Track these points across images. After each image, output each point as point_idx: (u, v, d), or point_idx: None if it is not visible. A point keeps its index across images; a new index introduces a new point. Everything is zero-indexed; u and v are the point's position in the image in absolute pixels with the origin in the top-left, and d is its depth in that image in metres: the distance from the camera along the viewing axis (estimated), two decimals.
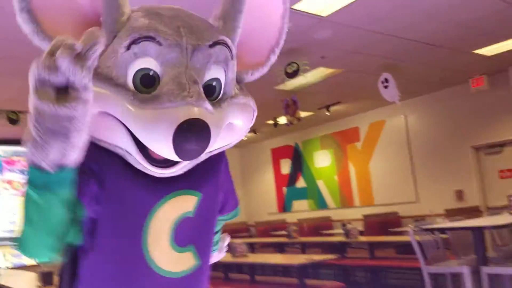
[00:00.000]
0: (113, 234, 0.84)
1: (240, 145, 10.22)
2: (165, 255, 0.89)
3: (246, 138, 9.16)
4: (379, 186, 7.77)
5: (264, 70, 1.06)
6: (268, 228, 8.44)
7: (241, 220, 10.08)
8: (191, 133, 0.73)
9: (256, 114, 1.01)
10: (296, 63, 4.63)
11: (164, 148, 0.75)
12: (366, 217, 7.06)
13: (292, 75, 4.64)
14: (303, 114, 7.17)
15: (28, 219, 0.69)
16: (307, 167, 9.14)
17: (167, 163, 0.83)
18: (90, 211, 0.80)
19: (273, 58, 1.07)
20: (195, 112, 0.75)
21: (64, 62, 0.58)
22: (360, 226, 6.59)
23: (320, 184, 8.84)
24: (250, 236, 8.95)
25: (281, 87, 5.69)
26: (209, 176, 0.98)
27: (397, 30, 4.40)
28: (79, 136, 0.64)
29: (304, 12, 3.81)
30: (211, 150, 0.88)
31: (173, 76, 0.79)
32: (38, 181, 0.66)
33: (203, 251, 0.96)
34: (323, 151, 8.80)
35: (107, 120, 0.78)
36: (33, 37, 0.81)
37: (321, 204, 8.82)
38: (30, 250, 0.73)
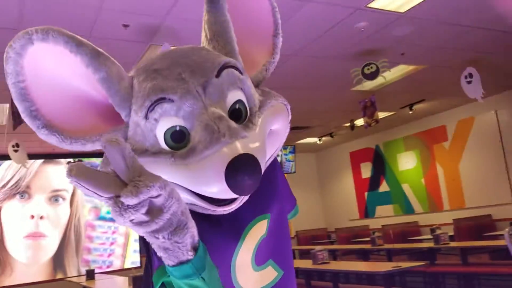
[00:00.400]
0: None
1: (316, 150, 10.10)
2: (251, 278, 0.92)
3: (321, 143, 9.06)
4: (470, 187, 7.23)
5: (276, 57, 1.01)
6: (349, 235, 8.22)
7: (321, 226, 9.93)
8: (241, 171, 0.73)
9: (289, 107, 0.98)
10: (375, 64, 4.46)
11: (222, 194, 0.77)
12: (457, 221, 6.65)
13: (371, 76, 4.48)
14: (383, 114, 6.90)
15: None
16: (390, 170, 8.77)
17: (230, 200, 0.83)
18: None
19: (279, 41, 1.00)
20: (237, 149, 0.75)
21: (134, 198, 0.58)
22: (450, 231, 6.25)
23: (405, 187, 8.43)
24: (331, 243, 8.78)
25: (358, 88, 5.52)
26: (273, 194, 0.99)
27: (484, 21, 4.07)
28: (189, 214, 0.67)
29: (380, 9, 3.67)
30: (267, 161, 0.89)
31: (198, 123, 0.79)
32: (188, 272, 0.68)
33: (282, 261, 0.98)
34: (407, 152, 8.40)
35: None
36: (62, 145, 0.82)
37: (407, 208, 8.40)
38: None
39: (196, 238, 0.68)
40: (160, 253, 0.66)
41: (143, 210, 0.59)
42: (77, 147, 0.81)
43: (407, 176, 8.39)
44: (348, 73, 4.68)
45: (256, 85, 0.97)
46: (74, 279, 6.76)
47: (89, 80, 0.82)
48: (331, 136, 8.59)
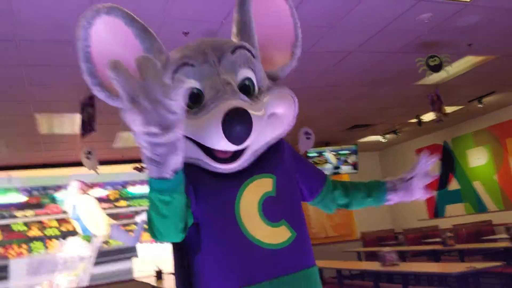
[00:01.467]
0: (212, 225, 1.01)
1: (380, 147, 9.81)
2: (262, 230, 1.02)
3: (385, 140, 8.78)
4: None
5: (293, 63, 1.18)
6: (418, 235, 7.89)
7: (388, 227, 9.62)
8: (234, 119, 0.90)
9: (296, 100, 1.12)
10: (437, 57, 4.26)
11: (218, 140, 0.92)
12: None
13: (435, 68, 4.28)
14: (451, 108, 6.57)
15: (161, 215, 0.87)
16: (459, 167, 8.32)
17: (231, 160, 1.00)
18: (193, 209, 1.00)
19: (298, 51, 1.18)
20: (233, 103, 0.93)
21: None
22: None
23: (477, 185, 7.96)
24: (399, 244, 8.49)
25: (422, 82, 5.30)
26: (277, 161, 1.12)
27: None
28: (182, 145, 0.81)
29: (445, 0, 3.50)
30: (268, 140, 1.07)
31: (210, 86, 0.99)
32: (163, 186, 0.82)
33: (295, 223, 1.09)
34: (477, 148, 7.93)
35: None
36: (108, 101, 1.04)
37: (479, 207, 7.93)
38: (165, 236, 0.92)
39: (180, 165, 0.82)
40: (149, 165, 0.80)
41: (161, 122, 0.72)
42: (118, 104, 0.96)
43: (478, 173, 7.92)
44: (411, 67, 4.51)
45: (273, 79, 1.14)
46: (144, 279, 7.03)
47: (136, 50, 1.02)
48: (396, 133, 8.31)
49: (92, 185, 7.94)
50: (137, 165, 7.25)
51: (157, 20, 3.27)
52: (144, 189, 8.30)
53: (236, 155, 1.00)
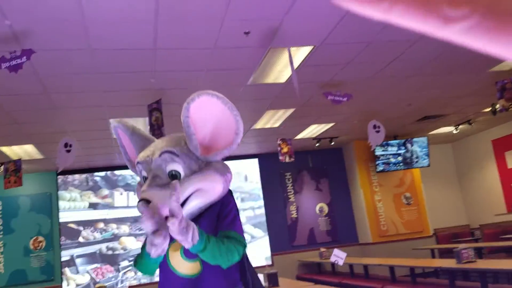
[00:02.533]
0: (160, 263, 1.60)
1: (453, 139, 9.31)
2: (181, 265, 1.55)
3: (458, 131, 8.31)
4: None
5: (234, 146, 1.57)
6: (497, 231, 7.41)
7: (462, 223, 9.12)
8: (138, 205, 1.42)
9: (228, 177, 1.64)
10: None
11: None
12: None
13: None
14: None
15: (142, 263, 1.56)
16: None
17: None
18: None
19: (238, 138, 1.57)
20: (144, 194, 1.44)
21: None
22: None
23: None
24: (475, 241, 8.02)
25: (497, 68, 4.96)
26: (204, 219, 1.58)
27: None
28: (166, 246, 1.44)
29: None
30: (199, 207, 1.56)
31: (146, 174, 1.58)
32: (147, 255, 1.46)
33: (205, 261, 1.50)
34: None
35: None
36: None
37: None
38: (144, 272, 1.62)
39: (162, 254, 1.47)
40: (148, 246, 1.43)
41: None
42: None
43: None
44: (484, 53, 4.22)
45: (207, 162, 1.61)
46: None
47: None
48: (469, 124, 7.84)
49: None
50: None
51: (218, 24, 3.33)
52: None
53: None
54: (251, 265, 1.70)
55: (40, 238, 7.58)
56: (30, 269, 7.47)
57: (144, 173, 1.57)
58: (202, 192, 1.53)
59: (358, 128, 7.05)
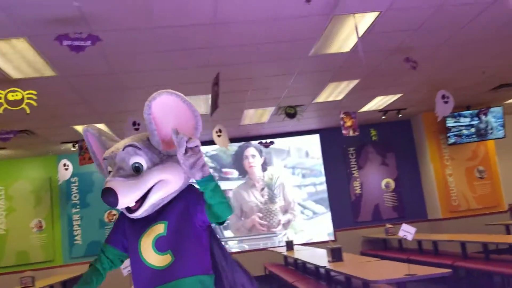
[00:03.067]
0: (130, 252, 1.77)
1: None
2: (153, 258, 1.66)
3: None
4: None
5: (195, 139, 1.57)
6: None
7: None
8: (103, 194, 1.56)
9: (186, 163, 1.54)
10: None
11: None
12: None
13: None
14: None
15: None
16: None
17: (135, 211, 1.66)
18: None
19: (198, 132, 1.68)
20: (107, 184, 1.59)
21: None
22: None
23: None
24: None
25: None
26: (173, 210, 1.70)
27: None
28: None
29: None
30: (162, 197, 1.68)
31: (111, 169, 1.70)
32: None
33: (177, 252, 1.64)
34: None
35: None
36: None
37: None
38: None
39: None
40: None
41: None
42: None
43: None
44: None
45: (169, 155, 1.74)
46: (276, 249, 7.29)
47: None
48: None
49: None
50: (262, 141, 7.47)
51: None
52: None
53: (137, 208, 1.65)
54: (225, 252, 1.81)
55: (114, 212, 8.03)
56: None
57: (110, 168, 1.70)
58: (164, 183, 1.66)
59: (428, 98, 6.67)
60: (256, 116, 6.95)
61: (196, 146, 1.51)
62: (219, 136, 5.96)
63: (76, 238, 7.96)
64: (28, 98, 3.45)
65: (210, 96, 5.45)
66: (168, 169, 1.66)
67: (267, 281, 7.13)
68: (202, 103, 5.83)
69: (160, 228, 1.67)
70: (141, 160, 1.65)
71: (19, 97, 3.44)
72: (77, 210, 8.02)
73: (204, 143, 7.84)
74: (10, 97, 3.35)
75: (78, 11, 3.16)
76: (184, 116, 1.66)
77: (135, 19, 3.42)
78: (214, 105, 3.91)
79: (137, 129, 5.29)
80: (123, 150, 1.65)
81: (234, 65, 4.62)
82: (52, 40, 3.13)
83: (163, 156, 1.69)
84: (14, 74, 4.10)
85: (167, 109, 1.65)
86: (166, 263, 1.63)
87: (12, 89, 3.42)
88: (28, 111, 3.42)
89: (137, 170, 1.64)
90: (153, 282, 1.62)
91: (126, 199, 1.58)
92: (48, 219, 7.94)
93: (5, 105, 3.31)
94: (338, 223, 8.31)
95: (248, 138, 8.35)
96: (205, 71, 4.60)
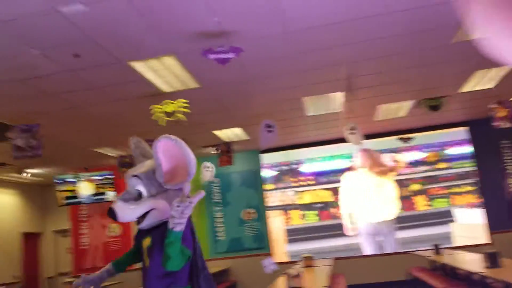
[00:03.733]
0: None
1: None
2: (145, 259, 2.14)
3: None
4: None
5: (187, 181, 2.10)
6: None
7: None
8: (107, 212, 2.04)
9: (173, 206, 1.93)
10: None
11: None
12: None
13: None
14: None
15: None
16: None
17: (138, 223, 2.13)
18: None
19: (189, 178, 2.06)
20: (113, 204, 2.05)
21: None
22: None
23: None
24: None
25: None
26: (157, 229, 2.09)
27: None
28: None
29: None
30: (155, 221, 2.09)
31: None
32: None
33: (152, 260, 2.06)
34: None
35: None
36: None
37: None
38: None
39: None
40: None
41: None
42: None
43: None
44: None
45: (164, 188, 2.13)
46: (420, 253, 6.84)
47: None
48: None
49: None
50: (403, 136, 7.08)
51: None
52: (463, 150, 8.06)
53: (140, 222, 2.11)
54: (204, 272, 2.17)
55: (251, 210, 8.39)
56: (244, 237, 8.37)
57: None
58: (156, 211, 2.08)
59: None
60: (392, 110, 6.61)
61: (183, 212, 1.90)
62: (352, 133, 5.82)
63: (219, 234, 8.51)
64: (183, 107, 3.76)
65: (343, 93, 5.38)
66: (160, 202, 2.08)
67: (409, 286, 6.75)
68: (334, 101, 5.75)
69: (148, 241, 2.14)
70: (142, 188, 2.07)
71: (173, 108, 3.78)
72: (219, 208, 8.57)
73: (336, 141, 7.76)
74: (167, 109, 3.70)
75: (218, 25, 3.34)
76: (180, 159, 2.02)
77: (267, 26, 3.49)
78: (349, 97, 3.81)
79: (270, 131, 5.43)
80: (131, 177, 2.10)
81: (364, 61, 4.46)
82: (196, 55, 3.37)
83: (160, 189, 2.08)
84: (165, 88, 4.53)
85: (167, 152, 2.01)
86: (148, 265, 2.12)
87: (168, 101, 3.77)
88: (184, 119, 3.73)
89: (140, 195, 2.08)
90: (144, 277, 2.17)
91: (123, 219, 2.08)
92: (195, 216, 8.53)
93: (165, 117, 3.66)
94: (494, 224, 7.50)
95: (385, 134, 8.00)
96: (334, 69, 4.52)
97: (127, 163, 7.05)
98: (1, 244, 8.30)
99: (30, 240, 9.19)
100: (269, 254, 7.99)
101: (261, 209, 8.40)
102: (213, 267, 8.02)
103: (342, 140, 6.30)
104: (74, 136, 6.10)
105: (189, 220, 2.06)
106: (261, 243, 8.29)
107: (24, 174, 8.05)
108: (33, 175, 8.30)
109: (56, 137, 5.85)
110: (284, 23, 3.47)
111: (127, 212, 2.05)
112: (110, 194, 7.98)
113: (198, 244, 2.14)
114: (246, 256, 8.24)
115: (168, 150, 2.01)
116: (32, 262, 9.24)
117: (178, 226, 1.88)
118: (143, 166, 2.15)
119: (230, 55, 3.21)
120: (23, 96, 4.39)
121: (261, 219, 8.37)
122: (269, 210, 8.38)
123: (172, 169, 2.05)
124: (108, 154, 7.33)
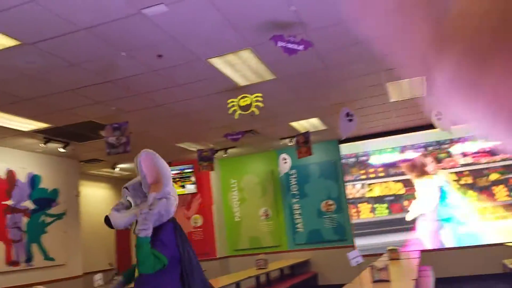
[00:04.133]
0: None
1: None
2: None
3: None
4: None
5: (161, 194, 2.23)
6: None
7: None
8: (104, 220, 2.28)
9: (155, 211, 2.17)
10: None
11: None
12: None
13: None
14: None
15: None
16: None
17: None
18: None
19: (166, 188, 2.25)
20: (109, 213, 2.30)
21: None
22: None
23: None
24: None
25: None
26: (155, 231, 2.19)
27: None
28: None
29: None
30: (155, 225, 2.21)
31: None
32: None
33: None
34: None
35: None
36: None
37: None
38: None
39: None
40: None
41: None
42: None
43: None
44: None
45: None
46: None
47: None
48: None
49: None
50: None
51: None
52: None
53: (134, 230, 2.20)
54: (197, 281, 2.18)
55: (330, 202, 8.29)
56: (324, 229, 8.29)
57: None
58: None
59: None
60: None
61: (146, 219, 2.08)
62: (439, 119, 5.51)
63: (297, 226, 8.51)
64: (256, 101, 3.80)
65: (424, 78, 5.11)
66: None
67: (505, 279, 6.28)
68: (417, 85, 5.47)
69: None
70: (130, 199, 2.29)
71: (248, 101, 3.83)
72: (297, 200, 8.57)
73: (424, 127, 7.41)
74: (242, 103, 3.75)
75: (294, 15, 3.31)
76: (158, 172, 2.22)
77: (345, 13, 3.39)
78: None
79: (350, 120, 5.31)
80: (123, 189, 2.32)
81: None
82: (272, 46, 3.37)
83: (143, 199, 2.25)
84: (241, 81, 4.60)
85: (148, 165, 2.21)
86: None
87: (243, 95, 3.83)
88: (257, 112, 3.77)
89: (130, 204, 2.29)
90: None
91: (116, 227, 2.25)
92: (273, 208, 8.72)
93: (239, 111, 3.72)
94: None
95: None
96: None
97: (206, 156, 7.30)
98: (98, 235, 9.00)
99: (123, 230, 9.88)
100: (352, 247, 7.85)
101: (341, 201, 8.26)
102: (293, 258, 8.07)
103: (429, 126, 5.99)
104: (158, 132, 6.43)
105: (175, 229, 2.21)
106: (342, 235, 8.16)
107: (116, 169, 8.68)
108: (121, 169, 8.90)
109: (142, 134, 6.20)
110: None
111: (118, 221, 2.25)
112: (189, 187, 8.31)
113: (191, 254, 2.20)
114: (327, 248, 8.17)
115: (148, 163, 2.21)
116: (125, 250, 9.94)
117: (142, 232, 2.05)
118: (135, 179, 2.36)
119: (300, 48, 3.15)
120: (114, 96, 4.70)
121: (341, 210, 8.23)
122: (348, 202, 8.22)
123: (155, 179, 2.23)
124: (189, 148, 7.64)
